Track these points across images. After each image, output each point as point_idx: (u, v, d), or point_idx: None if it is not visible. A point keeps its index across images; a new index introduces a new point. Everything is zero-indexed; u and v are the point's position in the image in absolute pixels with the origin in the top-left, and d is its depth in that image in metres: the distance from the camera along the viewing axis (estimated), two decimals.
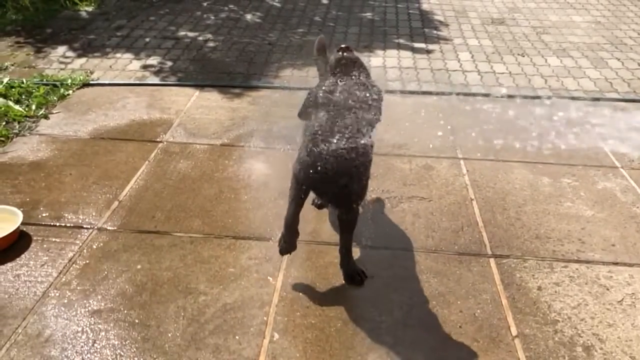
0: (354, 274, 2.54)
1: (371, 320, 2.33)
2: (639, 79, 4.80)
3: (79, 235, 2.79)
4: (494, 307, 2.41)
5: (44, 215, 2.94)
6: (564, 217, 3.01)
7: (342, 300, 2.43)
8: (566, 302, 2.45)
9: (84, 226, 2.86)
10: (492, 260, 2.69)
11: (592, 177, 3.38)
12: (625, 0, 7.09)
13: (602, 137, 3.83)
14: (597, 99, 4.42)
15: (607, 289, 2.52)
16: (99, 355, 2.15)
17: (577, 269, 2.64)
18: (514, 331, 2.30)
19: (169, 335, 2.24)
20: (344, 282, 2.53)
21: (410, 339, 2.24)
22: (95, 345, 2.20)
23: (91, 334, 2.24)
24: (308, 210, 2.99)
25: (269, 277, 2.54)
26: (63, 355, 2.15)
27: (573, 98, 4.44)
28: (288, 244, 2.47)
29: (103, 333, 2.25)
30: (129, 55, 5.13)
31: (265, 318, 2.33)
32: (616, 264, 2.69)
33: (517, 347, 2.22)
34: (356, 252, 2.70)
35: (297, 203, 2.40)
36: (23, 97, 4.19)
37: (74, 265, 2.60)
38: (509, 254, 2.74)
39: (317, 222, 2.91)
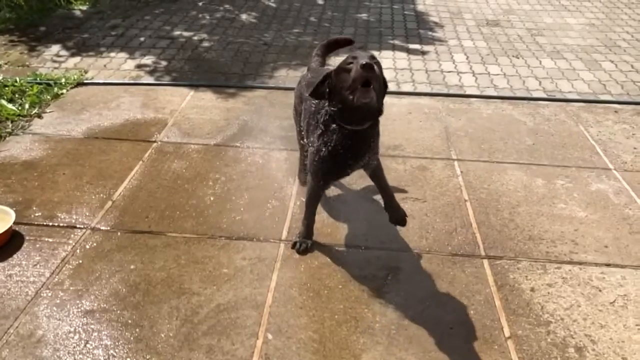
0: (399, 216, 2.76)
1: (365, 321, 2.33)
2: (632, 81, 4.82)
3: (72, 235, 2.78)
4: (487, 308, 2.42)
5: (36, 214, 2.92)
6: (558, 218, 3.02)
7: (336, 301, 2.43)
8: (559, 303, 2.46)
9: (77, 226, 2.85)
10: (485, 262, 2.69)
11: (586, 178, 3.40)
12: (619, 3, 7.13)
13: (595, 139, 3.85)
14: (591, 101, 4.44)
15: (600, 290, 2.54)
16: (91, 355, 2.14)
17: (570, 270, 2.65)
18: (507, 332, 2.30)
19: (162, 335, 2.23)
20: (337, 282, 2.53)
21: (404, 340, 2.25)
22: (88, 345, 2.19)
23: (84, 335, 2.23)
24: (300, 210, 3.00)
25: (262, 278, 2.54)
26: (55, 356, 2.14)
27: (567, 100, 4.46)
28: (308, 243, 2.71)
29: (96, 333, 2.24)
30: (123, 55, 5.12)
31: (259, 319, 2.32)
32: (608, 265, 2.70)
33: (510, 348, 2.23)
34: (350, 253, 2.71)
35: (317, 203, 2.71)
36: (16, 96, 4.17)
37: (66, 265, 2.59)
38: (503, 255, 2.75)
39: None
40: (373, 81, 2.18)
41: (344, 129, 2.34)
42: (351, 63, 2.23)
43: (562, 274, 2.63)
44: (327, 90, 2.32)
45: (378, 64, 2.26)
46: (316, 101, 2.53)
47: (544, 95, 4.53)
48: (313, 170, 2.55)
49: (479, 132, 3.91)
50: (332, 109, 2.34)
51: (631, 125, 4.08)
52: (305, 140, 2.72)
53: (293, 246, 2.71)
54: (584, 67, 5.08)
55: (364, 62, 2.14)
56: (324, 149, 2.42)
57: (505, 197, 3.18)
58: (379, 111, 2.34)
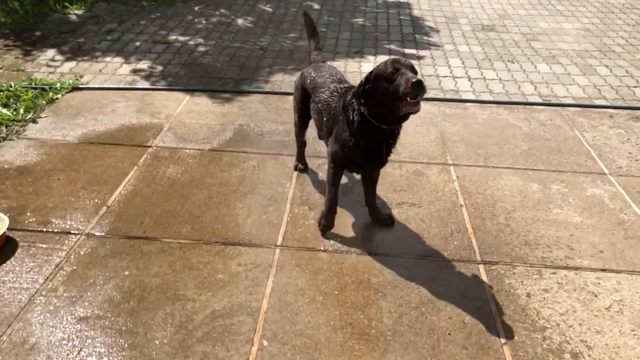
0: (384, 219, 2.95)
1: (360, 327, 2.32)
2: (627, 86, 4.84)
3: (66, 241, 2.76)
4: (484, 314, 2.41)
5: (31, 220, 2.90)
6: (553, 223, 3.03)
7: (331, 307, 2.42)
8: (555, 308, 2.46)
9: (72, 232, 2.83)
10: (481, 267, 2.69)
11: (581, 183, 3.40)
12: (613, 8, 7.17)
13: (590, 144, 3.86)
14: (586, 106, 4.46)
15: (595, 296, 2.53)
16: None
17: (565, 276, 2.65)
18: (502, 338, 2.30)
19: (157, 342, 2.22)
20: (333, 288, 2.52)
21: (400, 346, 2.24)
22: (82, 353, 2.17)
23: (77, 342, 2.22)
24: (296, 216, 2.99)
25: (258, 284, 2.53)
26: None
27: (562, 105, 4.47)
28: (330, 222, 2.84)
29: (89, 340, 2.22)
30: (119, 59, 5.11)
31: (254, 325, 2.31)
32: (604, 270, 2.70)
33: (506, 354, 2.22)
34: (346, 259, 2.70)
35: (338, 184, 2.80)
36: (11, 100, 4.15)
37: (60, 271, 2.57)
38: (498, 260, 2.74)
39: (305, 228, 2.91)
40: (420, 95, 2.28)
41: (376, 127, 2.49)
42: (395, 73, 2.32)
43: (558, 279, 2.63)
44: (364, 93, 2.47)
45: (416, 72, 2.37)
46: (328, 100, 2.76)
47: (539, 100, 4.54)
48: (338, 159, 2.70)
49: (475, 137, 3.91)
50: (368, 110, 2.47)
51: (626, 130, 4.09)
52: (320, 132, 2.95)
53: (319, 225, 2.87)
54: (579, 72, 5.10)
55: (415, 80, 2.24)
56: (352, 143, 2.58)
57: (500, 202, 3.18)
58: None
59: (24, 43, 5.45)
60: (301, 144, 3.37)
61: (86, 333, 2.26)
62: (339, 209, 3.06)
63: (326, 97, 2.80)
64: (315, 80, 2.94)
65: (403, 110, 2.34)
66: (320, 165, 3.47)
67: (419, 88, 2.24)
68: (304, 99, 3.05)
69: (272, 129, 3.93)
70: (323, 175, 3.36)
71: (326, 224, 2.84)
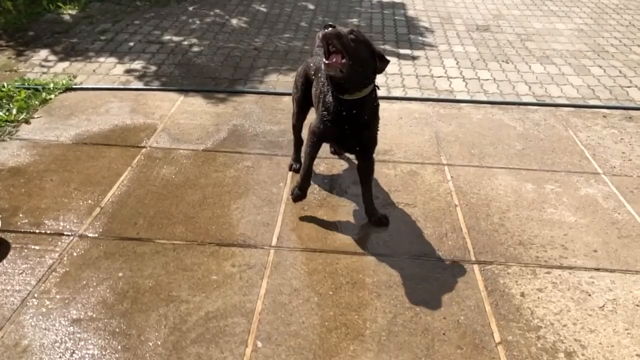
0: (379, 219, 2.96)
1: (355, 328, 2.32)
2: (620, 86, 4.86)
3: (59, 243, 2.75)
4: (478, 314, 2.42)
5: (23, 222, 2.88)
6: (547, 223, 3.03)
7: (326, 308, 2.41)
8: (549, 308, 2.46)
9: (65, 233, 2.81)
10: (475, 267, 2.69)
11: (575, 183, 3.41)
12: (607, 9, 7.20)
13: (584, 144, 3.88)
14: (580, 106, 4.47)
15: (589, 295, 2.54)
16: None
17: (559, 275, 2.66)
18: (497, 338, 2.30)
19: (150, 344, 2.21)
20: (328, 289, 2.51)
21: (394, 346, 2.24)
22: (74, 355, 2.16)
23: (70, 344, 2.20)
24: (291, 217, 2.99)
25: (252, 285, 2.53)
26: None
27: (556, 105, 4.48)
28: (302, 192, 2.93)
29: (82, 343, 2.21)
30: (112, 60, 5.09)
31: (248, 326, 2.30)
32: (598, 269, 2.71)
33: (501, 354, 2.22)
34: (341, 259, 2.70)
35: (313, 156, 2.90)
36: (4, 101, 4.12)
37: (53, 273, 2.55)
38: (493, 260, 2.75)
39: (300, 228, 2.90)
40: (343, 50, 2.48)
41: (338, 97, 2.67)
42: None
43: (552, 278, 2.64)
44: None
45: (356, 37, 2.56)
46: (324, 79, 2.88)
47: (533, 100, 4.55)
48: (314, 126, 2.85)
49: (469, 137, 3.92)
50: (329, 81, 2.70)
51: (619, 129, 4.11)
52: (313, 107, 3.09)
53: (291, 193, 2.97)
54: (573, 72, 5.12)
55: (322, 33, 2.49)
56: (324, 113, 2.75)
57: (495, 202, 3.19)
58: (350, 80, 2.59)
59: (17, 43, 5.42)
60: (298, 141, 3.37)
61: (79, 335, 2.24)
62: (334, 209, 3.07)
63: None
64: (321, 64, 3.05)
65: (325, 71, 2.56)
66: (315, 165, 3.45)
67: (323, 39, 2.47)
68: (305, 86, 3.13)
69: (267, 129, 3.92)
70: (318, 175, 3.36)
71: (299, 192, 2.93)
